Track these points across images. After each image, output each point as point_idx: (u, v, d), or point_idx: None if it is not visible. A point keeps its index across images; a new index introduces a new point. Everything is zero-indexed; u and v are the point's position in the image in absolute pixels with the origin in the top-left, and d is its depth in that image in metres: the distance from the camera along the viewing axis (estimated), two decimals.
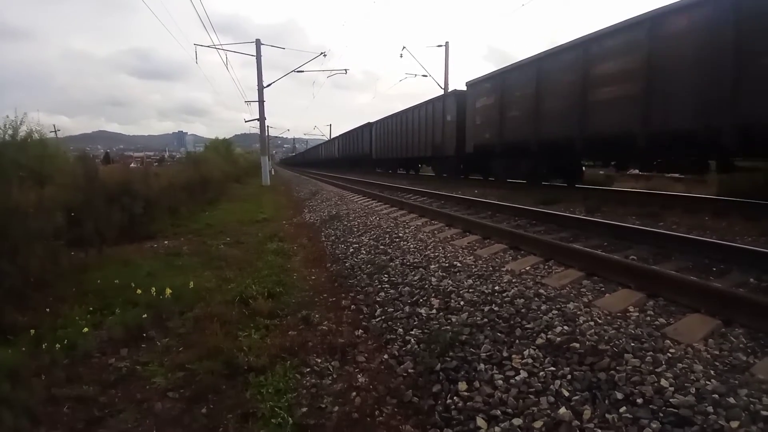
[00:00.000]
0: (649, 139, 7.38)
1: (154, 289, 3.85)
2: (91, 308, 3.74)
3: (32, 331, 3.16)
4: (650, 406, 1.78)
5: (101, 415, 2.35)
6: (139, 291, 3.90)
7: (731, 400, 1.72)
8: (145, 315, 3.48)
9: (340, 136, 36.79)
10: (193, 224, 8.67)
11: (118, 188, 7.52)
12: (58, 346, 2.97)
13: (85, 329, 3.24)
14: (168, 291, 3.79)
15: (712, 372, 1.94)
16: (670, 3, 6.91)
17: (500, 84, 11.58)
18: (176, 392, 2.54)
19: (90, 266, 5.08)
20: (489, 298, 3.08)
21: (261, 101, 22.72)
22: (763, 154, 6.51)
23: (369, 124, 26.78)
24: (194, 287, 4.13)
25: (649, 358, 2.07)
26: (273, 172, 32.81)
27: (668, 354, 2.10)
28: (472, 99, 13.16)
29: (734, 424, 1.60)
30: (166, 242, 6.88)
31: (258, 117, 23.24)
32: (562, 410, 1.90)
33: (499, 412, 2.02)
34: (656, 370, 1.97)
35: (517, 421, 1.93)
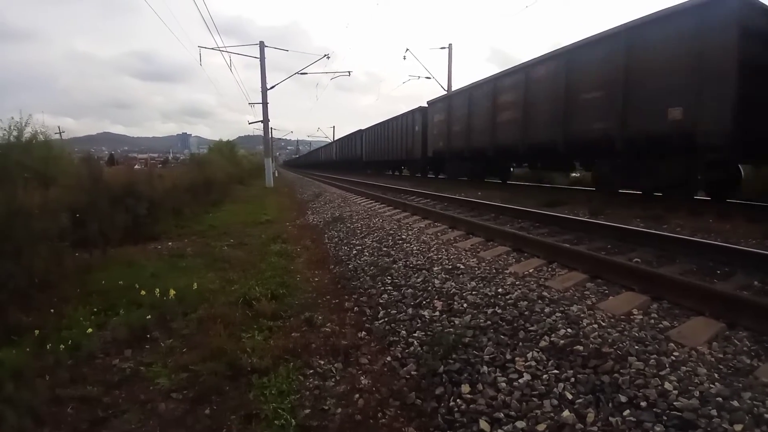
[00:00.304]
0: (526, 148, 10.76)
1: (158, 290, 3.87)
2: (95, 309, 3.76)
3: (36, 332, 3.18)
4: (654, 410, 1.77)
5: (105, 415, 2.37)
6: (143, 292, 3.92)
7: (735, 403, 1.72)
8: (149, 316, 3.49)
9: (337, 140, 39.19)
10: (196, 226, 8.70)
11: (122, 190, 7.56)
12: (62, 346, 2.99)
13: (89, 330, 3.26)
14: (172, 292, 3.80)
15: (716, 375, 1.93)
16: (535, 57, 10.44)
17: (448, 105, 15.17)
18: (180, 393, 2.54)
19: (94, 267, 5.11)
20: (492, 300, 3.07)
21: (264, 103, 22.79)
22: (584, 159, 10.11)
23: (360, 131, 30.21)
24: (198, 288, 4.14)
25: (652, 361, 2.06)
26: (276, 174, 32.85)
27: (672, 357, 2.09)
28: (431, 115, 16.81)
29: (738, 427, 1.60)
30: (169, 243, 6.90)
31: (261, 119, 23.29)
32: (566, 413, 1.90)
33: (502, 415, 2.02)
34: (660, 373, 1.96)
35: (520, 424, 1.93)
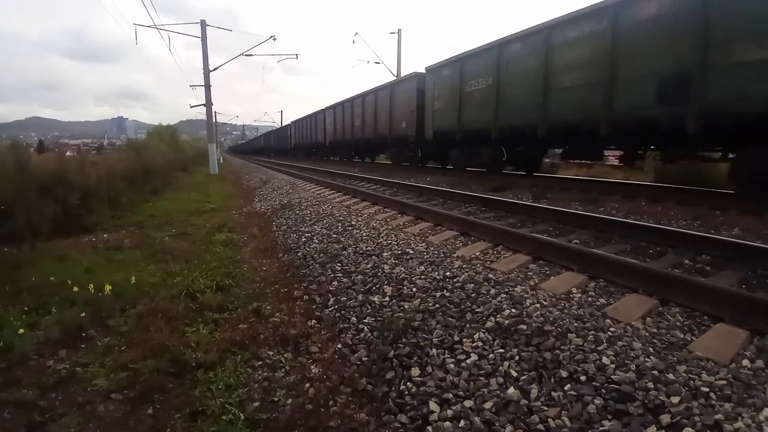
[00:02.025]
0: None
1: (92, 285, 3.64)
2: (26, 308, 3.50)
3: None
4: (593, 383, 1.86)
5: (42, 419, 2.23)
6: (76, 288, 3.67)
7: (671, 376, 1.82)
8: (84, 314, 3.29)
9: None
10: (135, 216, 8.27)
11: (51, 179, 7.04)
12: None
13: (21, 330, 3.03)
14: (108, 287, 3.58)
15: (651, 349, 2.05)
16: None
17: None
18: (120, 393, 2.42)
19: (23, 263, 4.74)
20: (440, 284, 3.12)
21: (207, 86, 21.80)
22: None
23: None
24: (136, 282, 3.94)
25: (591, 337, 2.16)
26: (222, 160, 31.77)
27: (609, 333, 2.20)
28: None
29: (675, 399, 1.69)
30: (105, 235, 6.51)
31: (204, 102, 22.31)
32: (511, 390, 1.96)
33: (451, 395, 2.06)
34: (598, 348, 2.06)
35: (468, 403, 1.98)
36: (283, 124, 47.93)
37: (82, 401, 2.37)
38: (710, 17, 5.71)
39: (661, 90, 6.40)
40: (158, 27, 19.56)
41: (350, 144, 21.52)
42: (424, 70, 13.44)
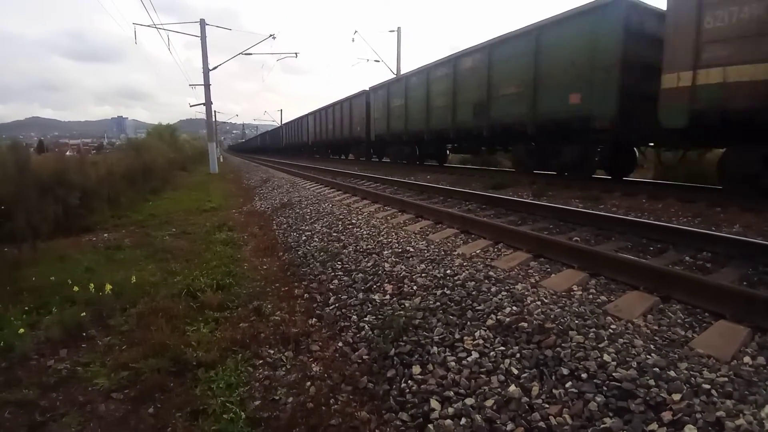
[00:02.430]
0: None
1: (92, 285, 3.63)
2: (26, 308, 3.50)
3: None
4: (594, 381, 1.86)
5: (43, 419, 2.22)
6: (76, 288, 3.67)
7: (672, 373, 1.82)
8: (84, 313, 3.28)
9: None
10: (135, 215, 8.27)
11: (51, 178, 7.04)
12: None
13: (21, 330, 3.02)
14: (108, 287, 3.58)
15: (652, 346, 2.04)
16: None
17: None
18: (121, 393, 2.42)
19: (24, 263, 4.74)
20: (441, 281, 3.12)
21: (207, 85, 21.78)
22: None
23: (307, 115, 29.27)
24: (137, 282, 3.94)
25: (592, 334, 2.16)
26: (221, 159, 31.74)
27: (610, 330, 2.20)
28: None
29: (676, 396, 1.69)
30: (105, 235, 6.51)
31: (204, 101, 22.28)
32: (512, 388, 1.96)
33: (452, 393, 2.06)
34: (599, 345, 2.06)
35: (469, 401, 1.98)
36: (279, 125, 49.17)
37: (83, 401, 2.37)
38: (491, 70, 10.01)
39: (475, 111, 10.73)
40: (157, 26, 19.54)
41: (326, 143, 25.32)
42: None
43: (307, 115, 29.22)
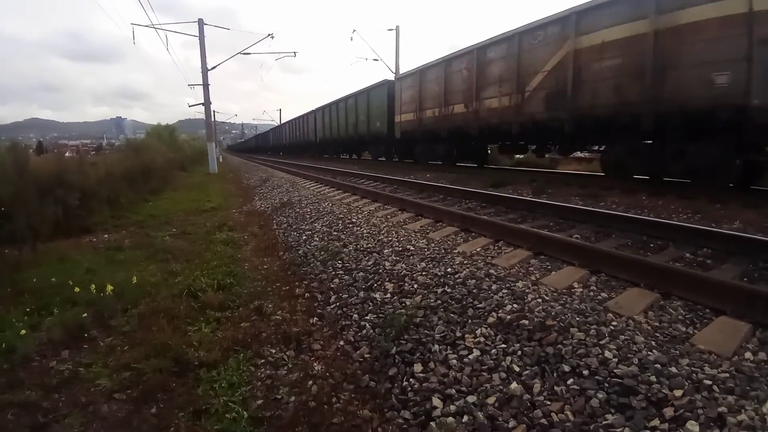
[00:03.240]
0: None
1: (93, 286, 3.63)
2: (27, 309, 3.49)
3: None
4: (596, 377, 1.87)
5: (46, 420, 2.22)
6: (77, 289, 3.67)
7: (673, 369, 1.82)
8: (86, 314, 3.28)
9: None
10: (135, 216, 8.26)
11: (50, 179, 7.04)
12: None
13: (23, 332, 3.02)
14: (109, 287, 3.58)
15: (653, 343, 2.05)
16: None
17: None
18: (123, 393, 2.42)
19: (24, 264, 4.74)
20: (442, 280, 3.12)
21: (205, 84, 21.75)
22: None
23: (314, 111, 27.07)
24: (138, 282, 3.93)
25: (593, 331, 2.16)
26: (221, 159, 31.71)
27: (611, 327, 2.20)
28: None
29: (678, 392, 1.69)
30: (106, 236, 6.51)
31: (203, 101, 22.27)
32: (514, 385, 1.96)
33: (453, 391, 2.06)
34: (600, 342, 2.07)
35: (471, 399, 1.98)
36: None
37: (85, 401, 2.37)
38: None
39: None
40: (156, 26, 19.54)
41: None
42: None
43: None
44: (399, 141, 15.73)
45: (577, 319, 2.30)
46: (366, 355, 2.63)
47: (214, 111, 27.16)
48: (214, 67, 22.05)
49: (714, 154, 6.27)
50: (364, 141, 19.80)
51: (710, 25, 5.81)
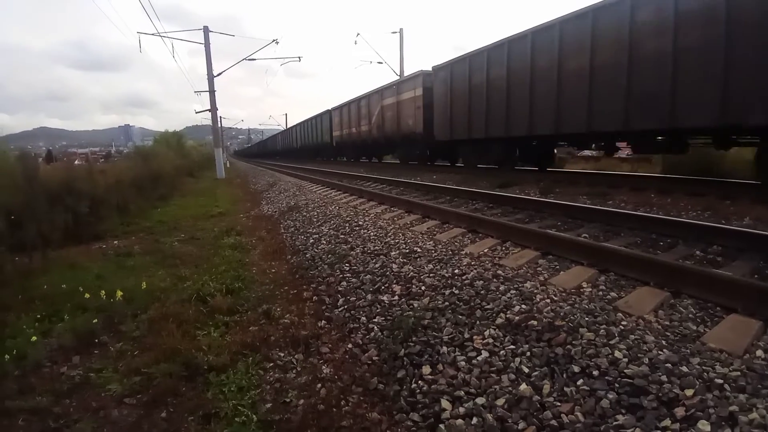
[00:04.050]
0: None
1: (103, 292, 3.67)
2: (38, 316, 3.53)
3: None
4: (606, 378, 1.85)
5: (57, 426, 2.24)
6: (87, 295, 3.71)
7: (684, 368, 1.80)
8: (96, 320, 3.31)
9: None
10: (144, 222, 8.33)
11: (60, 187, 7.12)
12: (7, 356, 2.81)
13: (34, 338, 3.06)
14: (119, 293, 3.62)
15: (663, 342, 2.03)
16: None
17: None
18: (133, 398, 2.44)
19: (35, 271, 4.79)
20: (449, 281, 3.11)
21: (212, 91, 21.94)
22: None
23: (330, 110, 25.43)
24: (147, 288, 3.96)
25: (602, 331, 2.15)
26: (228, 164, 31.90)
27: (621, 326, 2.18)
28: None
29: (689, 392, 1.67)
30: (115, 242, 6.57)
31: (209, 108, 22.44)
32: (523, 386, 1.95)
33: (462, 393, 2.06)
34: (610, 342, 2.05)
35: (480, 400, 1.97)
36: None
37: (96, 406, 2.39)
38: None
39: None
40: (161, 34, 19.69)
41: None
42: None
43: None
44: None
45: (587, 319, 2.28)
46: (374, 358, 2.63)
47: (220, 117, 27.37)
48: (219, 74, 22.24)
49: None
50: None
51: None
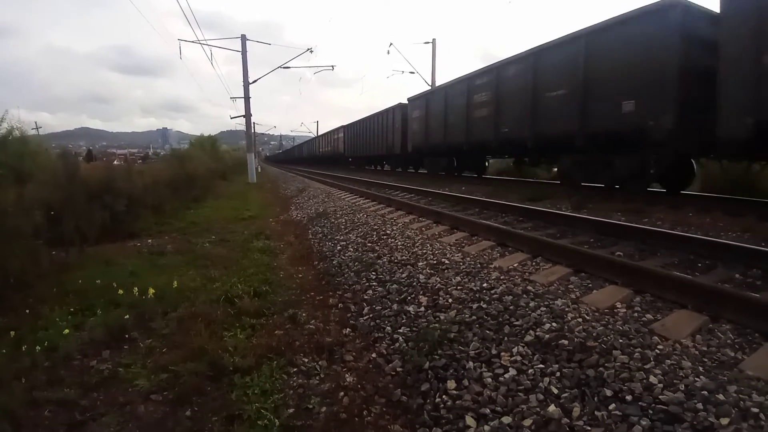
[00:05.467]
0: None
1: (136, 289, 3.77)
2: (72, 309, 3.66)
3: (12, 333, 3.08)
4: (640, 403, 1.77)
5: (83, 418, 2.30)
6: (121, 291, 3.82)
7: (721, 396, 1.72)
8: (128, 316, 3.41)
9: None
10: (177, 222, 8.55)
11: (99, 186, 7.39)
12: (38, 348, 2.90)
13: (66, 331, 3.17)
14: (151, 291, 3.71)
15: (700, 368, 1.94)
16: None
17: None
18: (159, 395, 2.48)
19: (71, 266, 4.97)
20: (477, 295, 3.06)
21: (247, 97, 22.50)
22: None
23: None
24: (178, 287, 4.05)
25: (637, 354, 2.06)
26: (259, 169, 32.53)
27: (656, 350, 2.09)
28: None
29: (724, 421, 1.59)
30: (149, 241, 6.76)
31: (244, 113, 23.00)
32: (552, 408, 1.89)
33: (488, 411, 2.00)
34: (645, 366, 1.96)
35: (506, 420, 1.92)
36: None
37: (122, 401, 2.44)
38: None
39: None
40: (201, 42, 20.33)
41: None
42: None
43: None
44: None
45: (621, 341, 2.19)
46: (398, 369, 2.60)
47: (254, 123, 27.97)
48: (255, 81, 22.77)
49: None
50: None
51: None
